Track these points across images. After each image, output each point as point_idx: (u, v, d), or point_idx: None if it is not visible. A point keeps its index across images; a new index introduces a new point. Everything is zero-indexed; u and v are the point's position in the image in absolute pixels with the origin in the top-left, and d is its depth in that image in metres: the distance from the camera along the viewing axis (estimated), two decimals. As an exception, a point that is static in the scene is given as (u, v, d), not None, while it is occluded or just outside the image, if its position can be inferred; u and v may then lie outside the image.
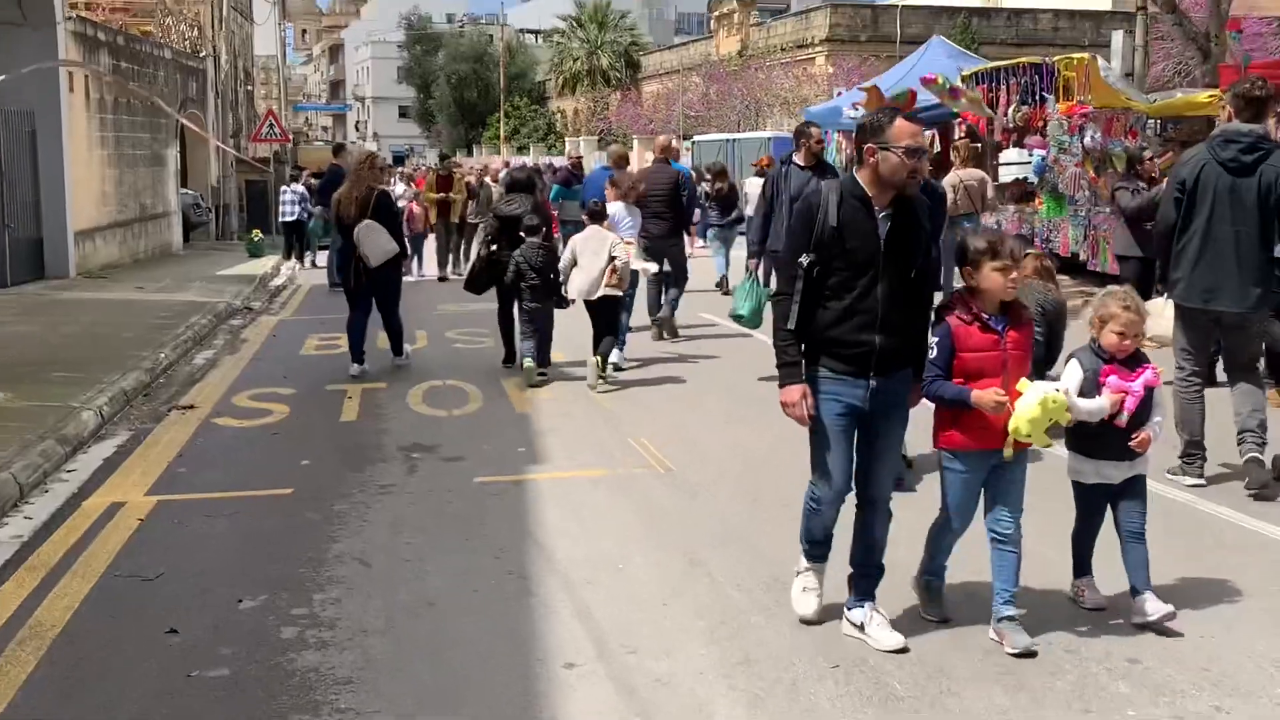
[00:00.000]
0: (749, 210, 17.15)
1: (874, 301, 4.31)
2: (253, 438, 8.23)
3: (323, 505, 6.47)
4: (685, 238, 13.01)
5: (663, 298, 12.54)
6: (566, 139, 56.33)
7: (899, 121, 4.28)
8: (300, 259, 22.11)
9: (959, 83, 17.33)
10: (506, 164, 24.37)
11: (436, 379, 10.27)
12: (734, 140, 31.92)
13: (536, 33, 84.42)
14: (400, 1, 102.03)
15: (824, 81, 38.39)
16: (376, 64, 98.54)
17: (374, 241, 10.03)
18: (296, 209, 21.74)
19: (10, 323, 13.06)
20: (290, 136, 34.84)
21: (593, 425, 8.45)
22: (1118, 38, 22.11)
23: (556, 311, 10.33)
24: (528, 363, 9.90)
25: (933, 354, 4.46)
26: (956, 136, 18.50)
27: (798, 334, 4.38)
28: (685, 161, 32.77)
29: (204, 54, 28.17)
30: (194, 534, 6.04)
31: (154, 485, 6.97)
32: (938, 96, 17.64)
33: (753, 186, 17.50)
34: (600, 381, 9.68)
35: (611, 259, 9.74)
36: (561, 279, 10.05)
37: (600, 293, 9.77)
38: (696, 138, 33.38)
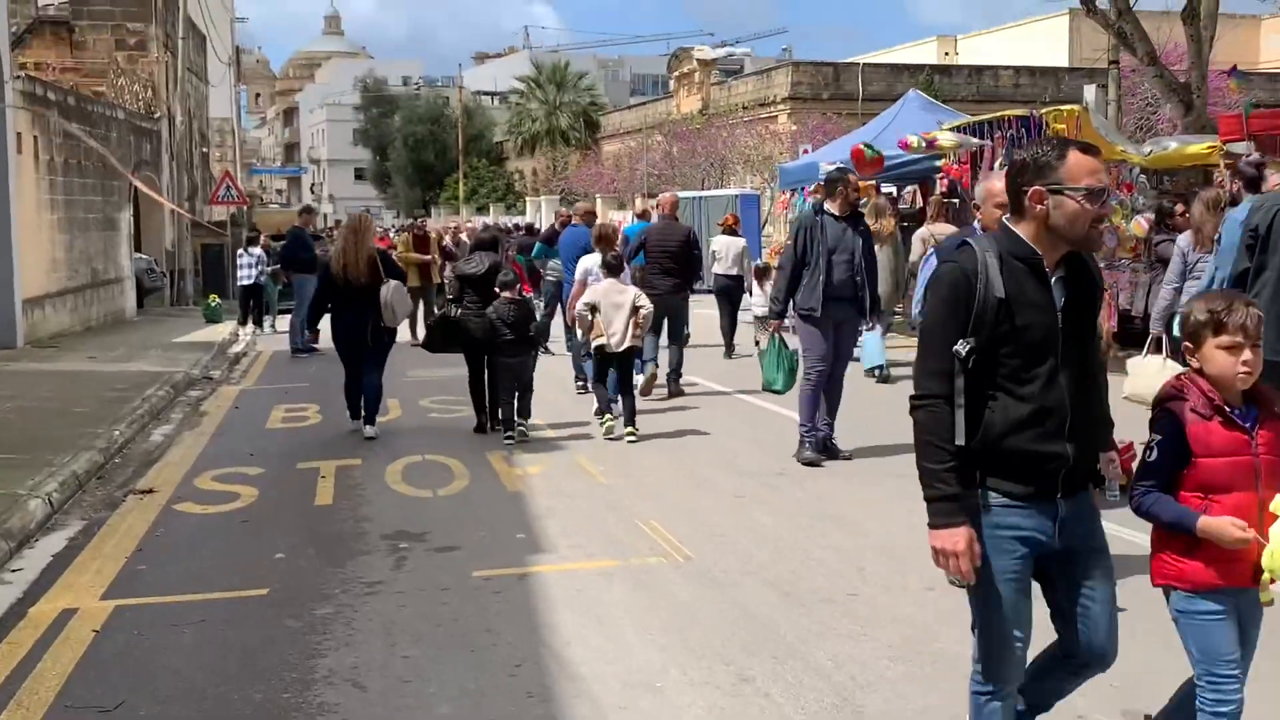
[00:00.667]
0: (717, 269, 16.95)
1: (1060, 397, 3.22)
2: (219, 526, 7.45)
3: (303, 609, 5.71)
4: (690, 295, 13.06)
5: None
6: (527, 199, 55.95)
7: (1074, 155, 3.20)
8: (259, 324, 21.37)
9: (938, 134, 16.96)
10: (471, 225, 23.59)
11: (415, 453, 9.54)
12: (701, 198, 31.41)
13: (493, 94, 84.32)
14: (355, 64, 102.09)
15: (788, 139, 38.19)
16: (332, 126, 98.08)
17: (401, 300, 10.12)
18: (254, 272, 21.07)
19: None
20: (248, 199, 34.12)
21: (594, 505, 7.73)
22: (1090, 92, 21.92)
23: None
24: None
25: (1151, 456, 3.37)
26: (937, 191, 18.17)
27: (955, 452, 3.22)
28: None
29: (158, 115, 27.44)
30: (158, 648, 5.25)
31: (110, 587, 6.17)
32: (920, 154, 17.29)
33: (719, 244, 17.15)
34: (627, 432, 9.89)
35: (637, 309, 9.86)
36: (579, 333, 10.33)
37: (626, 344, 9.91)
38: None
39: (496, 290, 9.99)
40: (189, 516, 7.69)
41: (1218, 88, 22.30)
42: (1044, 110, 15.41)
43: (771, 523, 7.21)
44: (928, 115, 19.34)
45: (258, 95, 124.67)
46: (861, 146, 18.21)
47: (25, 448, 9.32)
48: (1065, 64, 48.46)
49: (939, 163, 17.53)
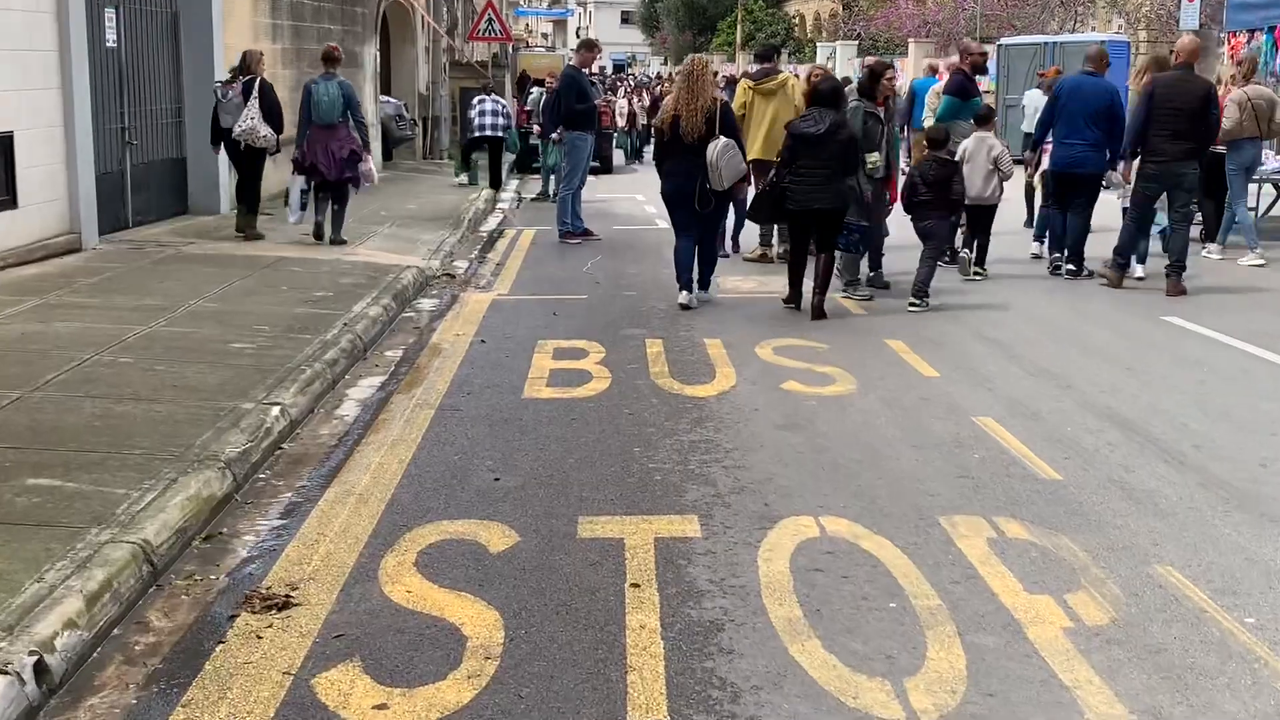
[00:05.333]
0: (1025, 126, 15.22)
1: None
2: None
3: None
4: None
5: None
6: (818, 45, 49.83)
7: None
8: (496, 188, 17.41)
9: None
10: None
11: (800, 509, 4.94)
12: (1055, 44, 24.89)
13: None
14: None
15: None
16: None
17: (732, 161, 9.00)
18: (499, 121, 17.11)
19: (59, 309, 8.19)
20: (511, 34, 29.87)
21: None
22: None
23: None
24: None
25: None
26: None
27: None
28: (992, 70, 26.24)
29: (414, -71, 23.17)
30: None
31: None
32: None
33: (1031, 99, 15.01)
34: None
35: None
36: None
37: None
38: (1003, 41, 26.65)
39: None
40: (342, 732, 3.26)
41: None
42: None
43: None
44: None
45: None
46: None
47: (102, 446, 5.10)
48: None
49: None
